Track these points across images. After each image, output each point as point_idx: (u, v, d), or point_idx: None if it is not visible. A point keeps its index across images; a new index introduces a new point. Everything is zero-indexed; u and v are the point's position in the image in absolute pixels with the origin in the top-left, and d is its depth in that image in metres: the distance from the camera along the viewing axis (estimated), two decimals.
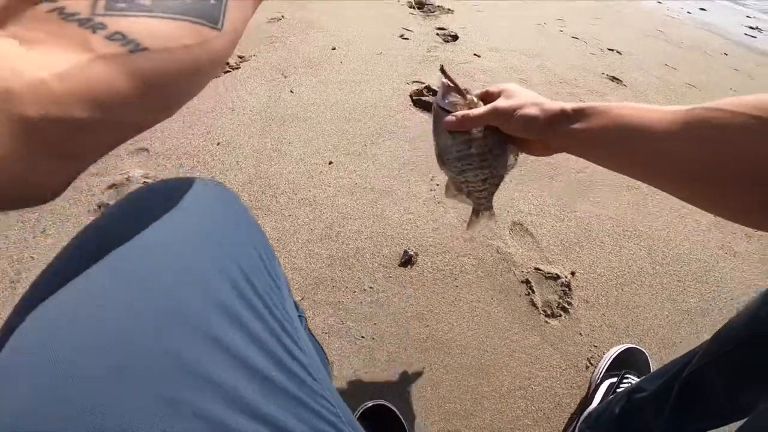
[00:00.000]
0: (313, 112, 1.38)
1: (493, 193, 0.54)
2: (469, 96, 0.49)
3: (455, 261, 0.98)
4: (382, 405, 0.71)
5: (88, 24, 0.19)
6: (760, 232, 1.25)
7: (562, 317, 0.91)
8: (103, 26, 0.19)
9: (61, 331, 0.22)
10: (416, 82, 1.55)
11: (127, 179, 1.09)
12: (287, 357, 0.29)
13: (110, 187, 1.07)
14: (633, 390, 0.66)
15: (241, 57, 1.80)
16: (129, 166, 1.13)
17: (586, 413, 0.73)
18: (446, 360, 0.81)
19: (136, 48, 0.20)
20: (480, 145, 0.49)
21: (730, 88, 2.08)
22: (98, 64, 0.19)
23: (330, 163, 1.20)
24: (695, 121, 0.34)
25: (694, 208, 0.37)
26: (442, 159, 0.52)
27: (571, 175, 1.30)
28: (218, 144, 1.24)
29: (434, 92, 1.50)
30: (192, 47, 0.23)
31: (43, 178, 0.19)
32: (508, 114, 0.45)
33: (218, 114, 1.37)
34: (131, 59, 0.20)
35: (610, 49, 2.17)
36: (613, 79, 1.78)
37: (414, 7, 2.33)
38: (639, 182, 0.59)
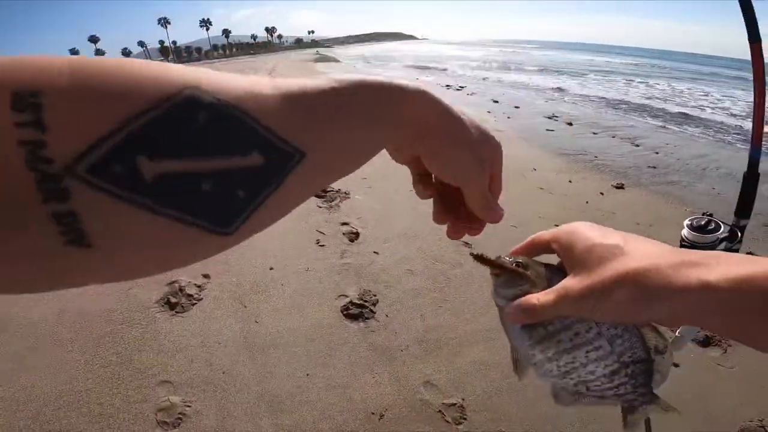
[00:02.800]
0: (280, 339, 1.89)
1: (646, 382, 0.35)
2: (526, 272, 0.34)
3: (401, 408, 1.56)
4: None
5: (50, 184, 0.15)
6: None
7: (465, 422, 1.54)
8: (65, 195, 0.15)
9: None
10: (342, 296, 2.16)
11: (172, 404, 1.56)
12: None
13: (161, 410, 1.54)
14: None
15: (198, 286, 2.24)
16: (164, 394, 1.60)
17: None
18: None
19: (77, 241, 0.16)
20: (577, 332, 0.33)
21: (539, 216, 3.12)
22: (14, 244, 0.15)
23: (308, 375, 1.71)
24: None
25: None
26: (526, 366, 0.36)
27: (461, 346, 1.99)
28: (224, 373, 1.71)
29: (357, 305, 2.11)
30: (169, 252, 0.19)
31: None
32: (593, 298, 0.30)
33: (210, 347, 1.83)
34: (61, 254, 0.16)
35: None
36: (465, 243, 2.63)
37: (317, 196, 3.02)
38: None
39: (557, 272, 0.35)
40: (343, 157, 0.27)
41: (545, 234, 0.37)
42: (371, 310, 2.09)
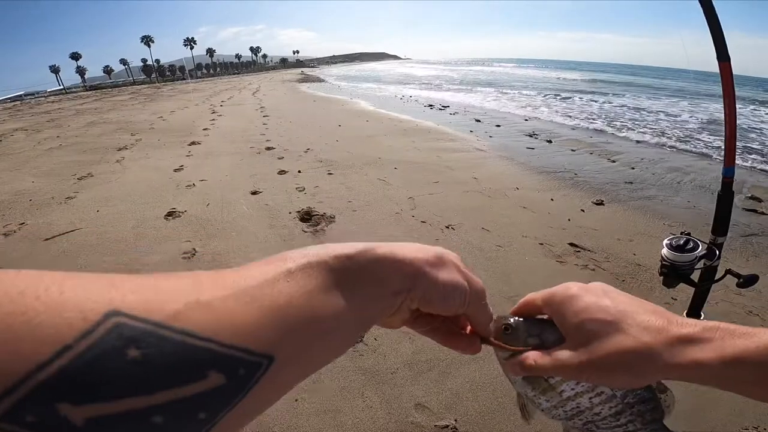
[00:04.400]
0: None
1: (657, 418, 0.35)
2: (511, 346, 0.36)
3: None
4: None
5: None
6: None
7: None
8: None
9: None
10: None
11: None
12: None
13: None
14: None
15: None
16: None
17: None
18: None
19: None
20: (578, 381, 0.34)
21: (523, 235, 3.17)
22: None
23: (296, 400, 1.66)
24: None
25: None
26: (533, 410, 0.38)
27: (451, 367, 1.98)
28: None
29: None
30: None
31: None
32: (587, 373, 0.32)
33: None
34: None
35: (447, 227, 3.14)
36: None
37: (302, 220, 3.01)
38: None
39: (548, 328, 0.36)
40: (323, 344, 0.24)
41: (537, 298, 0.38)
42: None
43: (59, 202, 3.93)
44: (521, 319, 0.38)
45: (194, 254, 2.72)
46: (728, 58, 0.92)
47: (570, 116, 10.38)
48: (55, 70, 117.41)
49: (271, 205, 3.53)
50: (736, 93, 0.96)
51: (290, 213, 3.29)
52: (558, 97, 15.54)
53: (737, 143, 1.04)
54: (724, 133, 1.02)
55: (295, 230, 3.00)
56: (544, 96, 16.08)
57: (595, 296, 0.34)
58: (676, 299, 2.31)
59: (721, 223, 1.08)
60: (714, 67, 0.94)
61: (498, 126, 8.05)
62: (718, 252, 1.07)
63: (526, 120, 9.24)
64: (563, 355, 0.33)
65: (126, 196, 3.99)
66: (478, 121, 8.74)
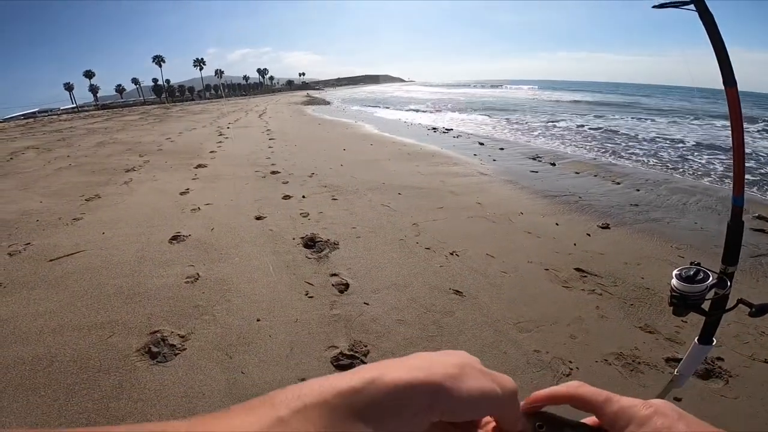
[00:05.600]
0: (268, 390, 1.70)
1: None
2: None
3: None
4: None
5: None
6: None
7: None
8: None
9: None
10: (332, 347, 2.10)
11: None
12: None
13: None
14: None
15: (181, 336, 2.17)
16: None
17: None
18: None
19: None
20: None
21: (528, 261, 3.14)
22: None
23: None
24: None
25: None
26: None
27: None
28: None
29: (347, 356, 2.06)
30: None
31: None
32: None
33: (193, 398, 1.78)
34: None
35: (451, 253, 3.12)
36: (456, 292, 2.63)
37: (306, 247, 3.00)
38: None
39: None
40: None
41: (593, 399, 0.35)
42: (362, 361, 2.03)
43: (66, 223, 3.97)
44: (560, 418, 0.36)
45: (197, 279, 2.71)
46: (735, 83, 0.91)
47: (572, 139, 10.46)
48: (69, 87, 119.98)
49: (276, 231, 3.54)
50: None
51: (294, 239, 3.30)
52: (560, 120, 15.71)
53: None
54: (732, 161, 1.00)
55: (298, 257, 2.99)
56: (546, 119, 16.26)
57: (668, 419, 0.33)
58: (686, 321, 2.27)
59: (731, 252, 1.06)
60: (717, 84, 0.93)
61: (501, 149, 8.12)
62: (729, 282, 1.05)
63: (529, 142, 9.32)
64: None
65: (132, 219, 4.02)
66: (482, 144, 8.82)
